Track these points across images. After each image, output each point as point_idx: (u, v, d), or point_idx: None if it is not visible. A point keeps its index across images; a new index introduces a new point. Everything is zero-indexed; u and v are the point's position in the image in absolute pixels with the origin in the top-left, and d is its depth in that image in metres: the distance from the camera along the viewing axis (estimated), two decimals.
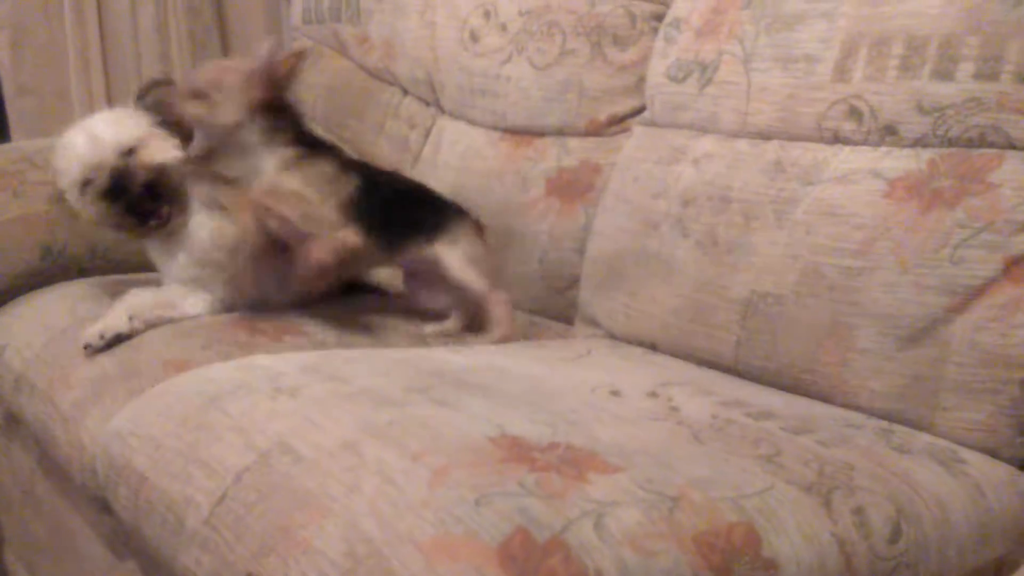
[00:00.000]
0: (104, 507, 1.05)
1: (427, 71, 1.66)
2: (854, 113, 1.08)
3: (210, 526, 0.83)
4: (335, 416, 0.87)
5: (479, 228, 1.33)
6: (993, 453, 0.94)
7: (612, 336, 1.27)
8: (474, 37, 1.56)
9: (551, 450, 0.80)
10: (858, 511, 0.80)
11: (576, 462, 0.78)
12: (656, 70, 1.30)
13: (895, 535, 0.80)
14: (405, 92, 1.75)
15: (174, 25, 2.34)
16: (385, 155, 1.75)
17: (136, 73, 2.32)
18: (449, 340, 1.27)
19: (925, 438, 0.94)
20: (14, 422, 1.38)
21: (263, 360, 1.05)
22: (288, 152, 1.23)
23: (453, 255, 1.28)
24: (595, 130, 1.42)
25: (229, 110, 1.22)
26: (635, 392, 0.97)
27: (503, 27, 1.52)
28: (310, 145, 1.27)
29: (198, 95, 1.22)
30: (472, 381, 0.97)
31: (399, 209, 1.29)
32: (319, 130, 1.40)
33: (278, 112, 1.24)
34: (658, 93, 1.29)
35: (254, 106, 1.22)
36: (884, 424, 0.97)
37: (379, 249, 1.25)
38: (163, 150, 1.28)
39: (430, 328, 1.31)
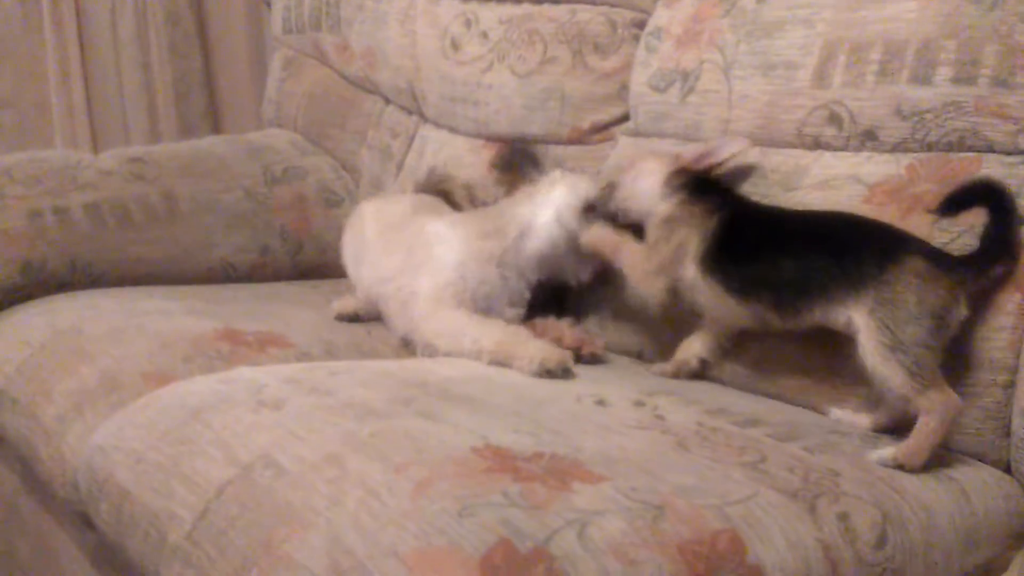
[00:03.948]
0: (87, 523, 1.04)
1: (408, 80, 1.65)
2: (834, 119, 1.09)
3: (192, 541, 0.82)
4: (318, 429, 0.87)
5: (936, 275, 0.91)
6: (978, 457, 0.94)
7: None
8: (455, 46, 1.56)
9: (535, 460, 0.80)
10: (843, 517, 0.80)
11: (560, 471, 0.78)
12: (638, 80, 1.30)
13: (881, 540, 0.80)
14: (387, 101, 1.74)
15: (154, 35, 2.32)
16: (367, 164, 1.75)
17: (116, 84, 2.31)
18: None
19: None
20: None
21: (246, 372, 1.04)
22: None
23: (870, 331, 0.91)
24: (578, 138, 1.42)
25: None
26: (621, 401, 0.97)
27: (484, 35, 1.52)
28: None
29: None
30: (456, 392, 0.96)
31: (796, 250, 0.99)
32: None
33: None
34: (641, 103, 1.30)
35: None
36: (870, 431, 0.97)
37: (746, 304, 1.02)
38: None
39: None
